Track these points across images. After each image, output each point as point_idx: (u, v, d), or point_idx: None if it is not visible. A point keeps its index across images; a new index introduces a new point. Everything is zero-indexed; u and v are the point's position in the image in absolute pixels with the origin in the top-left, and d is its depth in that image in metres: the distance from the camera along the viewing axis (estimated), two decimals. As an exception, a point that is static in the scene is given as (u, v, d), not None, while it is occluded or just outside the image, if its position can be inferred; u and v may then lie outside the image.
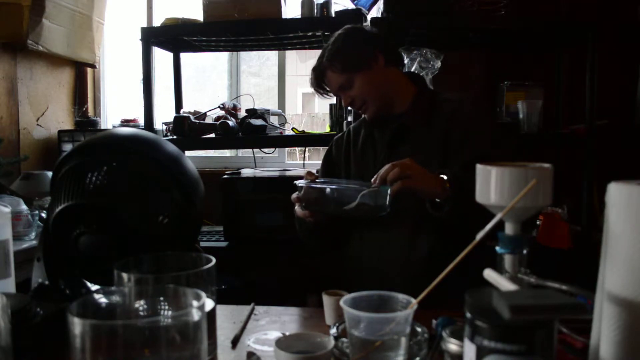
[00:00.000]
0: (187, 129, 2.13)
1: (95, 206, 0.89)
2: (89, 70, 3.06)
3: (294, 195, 1.26)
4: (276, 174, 2.38)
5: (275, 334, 0.95)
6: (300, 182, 1.23)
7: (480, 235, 0.62)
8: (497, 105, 2.24)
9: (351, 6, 2.15)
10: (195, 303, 0.59)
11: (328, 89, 1.47)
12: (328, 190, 1.16)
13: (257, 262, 2.19)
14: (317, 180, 1.24)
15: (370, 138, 1.47)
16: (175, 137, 2.15)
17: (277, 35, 2.16)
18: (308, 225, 1.34)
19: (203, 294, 0.59)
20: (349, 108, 1.49)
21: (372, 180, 1.12)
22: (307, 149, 2.72)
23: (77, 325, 0.52)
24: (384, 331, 0.70)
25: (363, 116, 1.47)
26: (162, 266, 0.82)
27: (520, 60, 2.44)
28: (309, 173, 1.28)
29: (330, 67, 1.40)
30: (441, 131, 1.32)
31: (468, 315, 0.54)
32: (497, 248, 0.66)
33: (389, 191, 1.08)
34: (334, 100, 2.25)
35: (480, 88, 2.47)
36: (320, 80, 1.46)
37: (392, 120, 1.41)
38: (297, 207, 1.28)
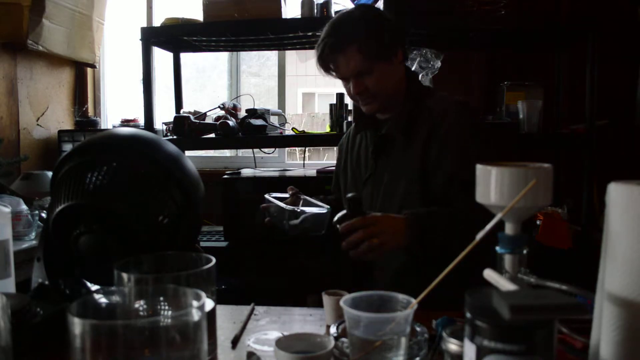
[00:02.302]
0: (187, 129, 2.13)
1: (95, 206, 0.89)
2: (89, 70, 3.06)
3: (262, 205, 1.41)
4: (276, 174, 2.38)
5: (275, 334, 0.95)
6: (270, 195, 1.42)
7: (480, 235, 0.62)
8: (497, 105, 2.24)
9: (351, 6, 2.15)
10: (195, 303, 0.59)
11: (334, 68, 1.33)
12: (278, 207, 1.34)
13: (257, 262, 2.19)
14: (275, 196, 1.40)
15: (360, 147, 1.48)
16: (175, 137, 2.15)
17: (277, 35, 2.16)
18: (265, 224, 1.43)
19: (203, 294, 0.58)
20: (350, 98, 1.44)
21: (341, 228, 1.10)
22: (307, 149, 2.72)
23: (77, 325, 0.52)
24: (384, 331, 0.70)
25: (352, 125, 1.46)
26: (162, 266, 0.82)
27: (520, 60, 2.44)
28: (291, 188, 1.43)
29: (360, 49, 1.27)
30: (421, 145, 1.28)
31: (468, 315, 0.54)
32: (497, 248, 0.66)
33: (327, 216, 1.24)
34: (334, 100, 2.25)
35: (480, 88, 2.47)
36: (332, 57, 1.31)
37: (380, 123, 1.40)
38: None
